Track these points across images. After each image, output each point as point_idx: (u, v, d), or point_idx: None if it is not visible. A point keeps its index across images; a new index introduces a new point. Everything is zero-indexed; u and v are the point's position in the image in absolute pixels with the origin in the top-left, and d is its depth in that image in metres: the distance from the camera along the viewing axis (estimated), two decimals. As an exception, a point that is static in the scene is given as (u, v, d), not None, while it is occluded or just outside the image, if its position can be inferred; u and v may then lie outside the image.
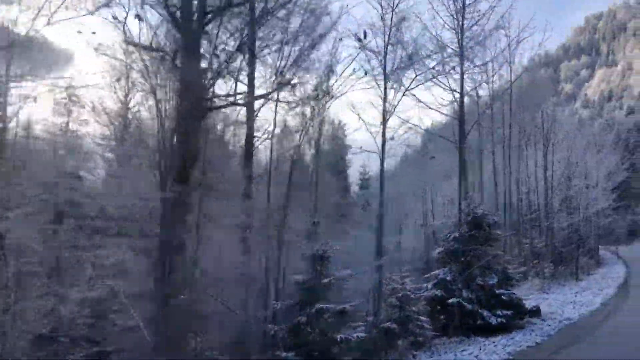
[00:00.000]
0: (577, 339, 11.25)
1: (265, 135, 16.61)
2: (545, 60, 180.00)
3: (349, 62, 12.80)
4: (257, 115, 15.86)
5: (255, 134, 16.14)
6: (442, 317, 13.27)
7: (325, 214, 25.89)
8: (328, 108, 14.74)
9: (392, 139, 13.41)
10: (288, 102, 15.53)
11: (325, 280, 9.87)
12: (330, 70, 12.20)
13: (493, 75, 18.36)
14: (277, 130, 17.19)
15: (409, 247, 32.25)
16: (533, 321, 13.51)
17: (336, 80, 13.71)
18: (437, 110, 15.71)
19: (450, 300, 12.80)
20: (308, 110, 19.32)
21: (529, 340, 11.06)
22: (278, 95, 13.13)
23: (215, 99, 13.50)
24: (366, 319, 12.38)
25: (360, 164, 40.42)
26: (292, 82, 12.94)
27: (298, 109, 18.72)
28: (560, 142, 28.40)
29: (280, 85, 13.10)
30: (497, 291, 12.94)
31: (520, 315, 13.47)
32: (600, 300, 17.49)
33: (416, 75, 12.63)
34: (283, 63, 14.77)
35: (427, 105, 15.53)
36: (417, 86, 12.95)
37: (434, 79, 15.80)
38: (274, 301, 10.50)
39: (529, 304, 14.64)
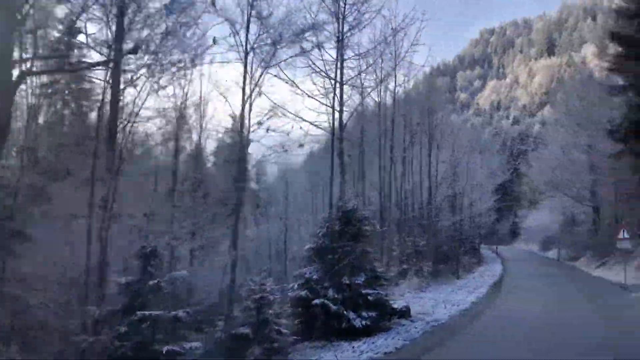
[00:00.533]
0: (441, 341, 10.65)
1: (131, 118, 14.73)
2: (444, 68, 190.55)
3: (212, 33, 11.31)
4: (123, 94, 13.91)
5: (123, 116, 14.16)
6: (306, 319, 12.17)
7: (207, 209, 24.02)
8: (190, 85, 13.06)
9: (259, 123, 12.10)
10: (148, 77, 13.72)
11: (152, 282, 8.27)
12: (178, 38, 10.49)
13: (372, 64, 17.72)
14: (147, 113, 15.35)
15: (302, 243, 31.38)
16: (402, 322, 12.86)
17: (210, 56, 12.11)
18: (313, 98, 14.70)
19: (314, 301, 11.74)
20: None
21: (389, 344, 10.26)
22: (113, 65, 11.25)
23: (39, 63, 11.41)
24: (216, 326, 11.00)
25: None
26: (138, 48, 11.19)
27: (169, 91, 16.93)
28: (446, 141, 28.92)
29: (124, 52, 11.29)
30: (364, 291, 12.08)
31: (388, 316, 12.76)
32: (472, 299, 17.49)
33: (276, 49, 11.33)
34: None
35: (303, 91, 14.49)
36: (279, 63, 11.70)
37: (313, 65, 14.83)
38: (95, 307, 8.70)
39: (400, 303, 14.07)
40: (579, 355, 9.07)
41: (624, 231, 21.32)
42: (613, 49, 26.40)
